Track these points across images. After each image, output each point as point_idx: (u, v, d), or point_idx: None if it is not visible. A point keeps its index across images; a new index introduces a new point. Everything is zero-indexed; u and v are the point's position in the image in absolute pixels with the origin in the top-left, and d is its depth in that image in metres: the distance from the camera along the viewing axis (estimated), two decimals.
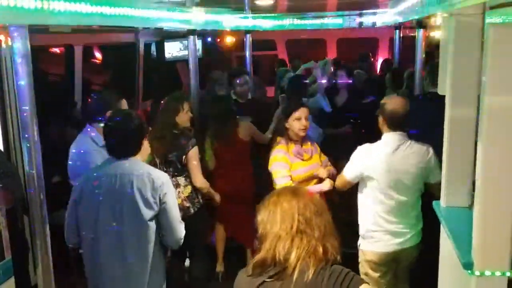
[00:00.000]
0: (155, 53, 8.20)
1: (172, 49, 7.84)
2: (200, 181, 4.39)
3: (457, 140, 3.17)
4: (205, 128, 5.13)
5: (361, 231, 3.85)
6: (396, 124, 3.66)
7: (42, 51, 6.48)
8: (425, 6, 3.57)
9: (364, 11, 7.12)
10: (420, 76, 5.57)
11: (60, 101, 6.09)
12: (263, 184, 5.31)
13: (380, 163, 3.66)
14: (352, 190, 4.01)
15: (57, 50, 7.08)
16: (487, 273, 2.46)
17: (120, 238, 3.04)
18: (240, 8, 5.96)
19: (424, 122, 4.11)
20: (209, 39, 9.09)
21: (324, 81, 6.38)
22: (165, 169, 4.26)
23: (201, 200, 4.47)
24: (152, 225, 3.07)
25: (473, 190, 2.80)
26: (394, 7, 5.63)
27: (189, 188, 4.37)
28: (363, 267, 3.86)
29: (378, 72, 8.98)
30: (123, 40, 6.95)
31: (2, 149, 4.41)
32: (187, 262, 4.87)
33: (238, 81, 5.76)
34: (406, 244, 3.75)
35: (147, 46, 7.67)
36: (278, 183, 3.94)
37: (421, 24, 5.72)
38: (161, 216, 3.09)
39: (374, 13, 7.23)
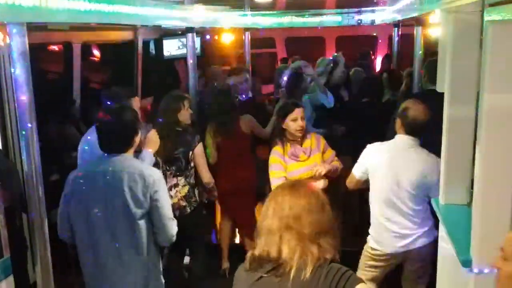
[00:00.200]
0: (153, 51, 8.19)
1: (171, 47, 7.83)
2: (207, 176, 4.46)
3: (456, 137, 3.17)
4: (205, 123, 5.15)
5: (370, 228, 3.87)
6: (412, 129, 3.66)
7: (41, 49, 6.47)
8: (424, 3, 3.57)
9: (363, 9, 7.12)
10: (419, 74, 5.56)
11: (59, 99, 6.08)
12: (265, 178, 5.35)
13: (383, 162, 3.67)
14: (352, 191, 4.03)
15: (55, 47, 7.07)
16: (486, 270, 2.47)
17: (112, 234, 3.03)
18: (239, 6, 5.96)
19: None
20: (208, 36, 9.07)
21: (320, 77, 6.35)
22: (167, 168, 4.27)
23: (197, 199, 4.48)
24: (143, 222, 3.04)
25: (472, 188, 2.80)
26: (392, 4, 5.63)
27: (186, 188, 4.38)
28: (365, 258, 3.88)
29: (379, 69, 8.97)
30: (121, 38, 6.93)
31: (1, 147, 4.40)
32: (186, 260, 4.87)
33: (236, 79, 5.76)
34: (410, 247, 3.68)
35: (146, 44, 7.66)
36: (273, 184, 4.03)
37: (420, 21, 5.71)
38: (152, 214, 3.06)
39: (373, 11, 7.23)
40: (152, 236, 3.12)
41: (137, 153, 3.76)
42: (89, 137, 3.86)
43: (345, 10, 7.20)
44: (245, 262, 2.06)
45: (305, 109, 4.42)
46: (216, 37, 9.08)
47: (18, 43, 2.80)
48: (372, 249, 3.82)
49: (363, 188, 4.00)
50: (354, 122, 5.74)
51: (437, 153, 3.49)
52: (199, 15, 5.50)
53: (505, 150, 2.40)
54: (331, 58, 7.40)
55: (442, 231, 3.15)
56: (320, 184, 4.06)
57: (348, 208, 5.15)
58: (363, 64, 8.23)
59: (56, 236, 3.17)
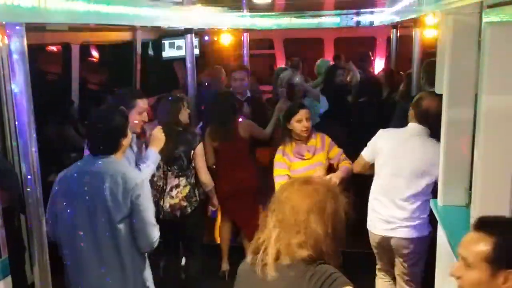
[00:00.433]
0: (152, 52, 8.20)
1: (170, 48, 7.83)
2: (205, 176, 4.47)
3: (454, 139, 3.18)
4: (205, 124, 5.16)
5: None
6: (423, 119, 3.72)
7: (39, 50, 6.46)
8: (422, 5, 3.57)
9: (361, 10, 7.12)
10: (418, 75, 5.57)
11: (57, 100, 6.07)
12: (266, 180, 5.35)
13: (388, 147, 3.77)
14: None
15: (54, 48, 7.07)
16: None
17: (94, 236, 3.00)
18: (238, 7, 5.96)
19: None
20: (206, 37, 9.09)
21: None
22: (169, 169, 4.27)
23: (198, 199, 4.48)
24: (123, 226, 2.98)
25: (470, 189, 2.80)
26: (391, 6, 5.64)
27: (187, 188, 4.39)
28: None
29: (381, 69, 8.99)
30: (120, 39, 6.94)
31: None
32: (183, 261, 4.87)
33: (235, 76, 5.77)
34: (398, 234, 3.75)
35: (145, 44, 7.66)
36: (276, 181, 4.12)
37: (418, 23, 5.72)
38: (133, 218, 3.00)
39: (372, 12, 7.23)
40: (134, 242, 3.06)
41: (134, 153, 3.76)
42: None
43: (344, 11, 7.21)
44: (247, 255, 2.07)
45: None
46: (214, 38, 9.09)
47: (16, 43, 2.80)
48: (369, 232, 3.95)
49: (362, 188, 4.02)
50: (353, 122, 5.74)
51: None
52: (198, 16, 5.51)
53: (503, 151, 2.40)
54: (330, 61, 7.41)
55: (441, 232, 3.16)
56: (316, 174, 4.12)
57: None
58: (362, 65, 8.24)
59: None
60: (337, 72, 6.76)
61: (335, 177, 4.09)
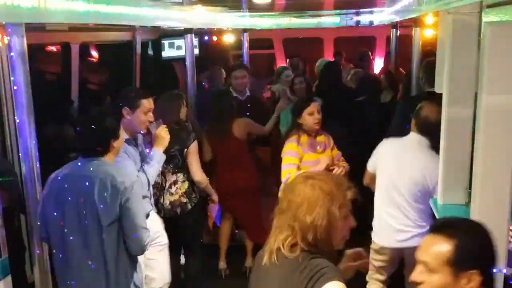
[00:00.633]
0: (152, 52, 8.19)
1: (169, 48, 7.83)
2: (199, 174, 4.44)
3: (454, 138, 3.18)
4: (204, 122, 5.18)
5: (373, 221, 3.95)
6: (423, 129, 3.72)
7: (39, 50, 6.46)
8: (422, 4, 3.57)
9: (361, 10, 7.12)
10: (417, 75, 5.57)
11: (57, 100, 6.07)
12: (267, 178, 5.34)
13: (389, 157, 3.77)
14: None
15: (53, 48, 7.06)
16: None
17: (82, 239, 2.96)
18: (238, 7, 5.95)
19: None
20: (206, 37, 9.08)
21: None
22: (165, 167, 4.27)
23: (198, 196, 4.49)
24: (111, 230, 2.94)
25: (470, 187, 2.81)
26: (391, 5, 5.64)
27: (186, 184, 4.40)
28: (371, 253, 3.90)
29: (378, 69, 8.99)
30: (120, 39, 6.93)
31: None
32: (182, 260, 4.87)
33: (235, 74, 5.77)
34: (409, 243, 3.67)
35: (144, 44, 7.66)
36: (284, 169, 4.13)
37: (418, 22, 5.72)
38: (123, 222, 2.96)
39: (371, 12, 7.23)
40: (123, 245, 3.01)
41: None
42: None
43: (344, 11, 7.20)
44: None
45: None
46: (214, 38, 9.09)
47: (16, 43, 2.81)
48: (373, 242, 3.89)
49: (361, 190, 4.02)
50: (352, 121, 5.74)
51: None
52: (198, 16, 5.51)
53: (503, 150, 2.41)
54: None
55: None
56: (321, 166, 4.14)
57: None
58: (362, 65, 8.24)
59: None
60: (284, 73, 6.78)
61: (342, 168, 4.18)
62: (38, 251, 3.15)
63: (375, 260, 3.86)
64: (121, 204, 2.93)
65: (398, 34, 7.78)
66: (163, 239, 4.02)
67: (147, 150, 3.90)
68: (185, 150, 4.34)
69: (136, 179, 3.12)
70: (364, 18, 7.73)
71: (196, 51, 7.02)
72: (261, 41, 9.77)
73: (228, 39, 8.18)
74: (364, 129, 5.34)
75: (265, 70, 10.31)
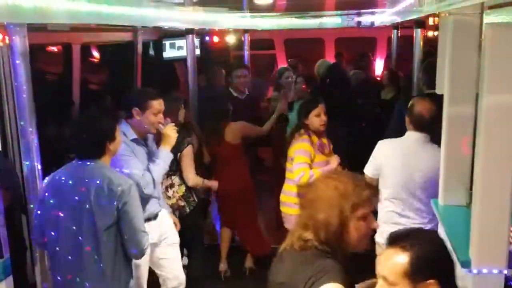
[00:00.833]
0: (153, 52, 8.20)
1: (170, 48, 7.83)
2: (192, 178, 4.42)
3: (455, 138, 3.18)
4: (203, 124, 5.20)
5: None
6: (420, 125, 3.69)
7: (40, 50, 6.47)
8: (423, 5, 3.57)
9: (362, 11, 7.11)
10: (418, 76, 5.57)
11: (58, 100, 6.08)
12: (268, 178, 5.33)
13: (396, 158, 3.71)
14: None
15: (55, 48, 7.07)
16: (484, 271, 2.48)
17: (78, 243, 2.91)
18: (239, 8, 5.95)
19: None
20: (207, 38, 9.09)
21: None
22: None
23: (196, 199, 4.49)
24: (108, 233, 2.90)
25: (471, 188, 2.81)
26: (392, 6, 5.64)
27: (183, 187, 4.40)
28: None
29: (379, 70, 9.00)
30: (121, 39, 6.94)
31: (0, 148, 4.40)
32: (184, 261, 4.87)
33: (237, 73, 5.77)
34: None
35: (146, 45, 7.66)
36: (296, 167, 4.11)
37: (420, 23, 5.72)
38: (121, 226, 2.92)
39: (373, 13, 7.23)
40: (120, 249, 2.97)
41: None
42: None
43: (345, 12, 7.20)
44: None
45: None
46: (215, 39, 9.10)
47: (18, 43, 2.81)
48: (380, 244, 3.81)
49: None
50: (353, 122, 5.75)
51: None
52: (199, 17, 5.51)
53: (504, 152, 2.41)
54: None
55: (441, 232, 3.16)
56: (334, 162, 4.20)
57: None
58: (362, 66, 8.24)
59: None
60: (284, 74, 6.78)
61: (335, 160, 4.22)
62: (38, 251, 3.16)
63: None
64: (119, 208, 2.88)
65: (399, 35, 7.79)
66: (174, 238, 4.00)
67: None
68: (178, 154, 4.30)
69: (134, 182, 3.05)
70: (365, 19, 7.72)
71: (197, 51, 7.03)
72: (262, 41, 9.78)
73: (229, 39, 8.18)
74: (365, 130, 5.35)
75: (266, 71, 10.32)
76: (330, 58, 9.47)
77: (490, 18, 2.39)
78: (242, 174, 5.14)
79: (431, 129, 3.69)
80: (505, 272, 2.48)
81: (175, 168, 4.35)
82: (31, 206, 3.07)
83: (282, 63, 9.95)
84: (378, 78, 8.23)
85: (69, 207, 2.90)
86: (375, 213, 3.86)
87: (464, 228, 2.70)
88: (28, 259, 4.28)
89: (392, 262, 1.79)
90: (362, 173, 4.04)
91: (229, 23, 6.77)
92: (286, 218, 4.41)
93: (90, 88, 6.72)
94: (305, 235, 2.05)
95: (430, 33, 6.78)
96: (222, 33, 8.54)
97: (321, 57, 8.94)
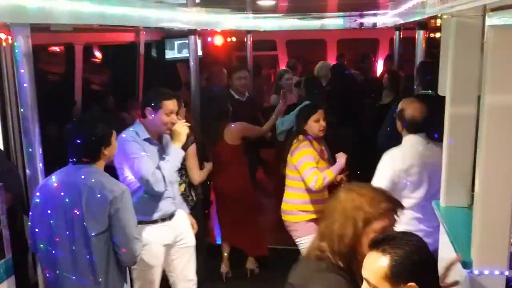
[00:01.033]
0: (155, 53, 8.21)
1: (173, 49, 7.85)
2: (198, 175, 4.43)
3: (456, 140, 3.18)
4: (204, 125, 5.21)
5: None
6: (416, 128, 3.67)
7: (43, 50, 6.48)
8: (426, 7, 3.58)
9: (364, 12, 7.12)
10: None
11: (60, 100, 6.08)
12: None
13: (411, 164, 3.62)
14: None
15: (57, 49, 7.08)
16: (486, 272, 2.48)
17: (70, 249, 2.89)
18: (241, 9, 5.97)
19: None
20: (209, 39, 9.10)
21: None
22: None
23: (194, 198, 4.50)
24: (99, 240, 2.87)
25: (473, 190, 2.81)
26: (394, 8, 5.64)
27: (183, 186, 4.40)
28: None
29: (380, 71, 9.00)
30: (123, 40, 6.95)
31: (2, 148, 4.41)
32: None
33: (237, 75, 5.78)
34: (435, 245, 3.50)
35: (148, 45, 7.67)
36: (308, 173, 4.04)
37: (422, 25, 5.72)
38: (113, 232, 2.89)
39: (375, 14, 7.23)
40: (113, 256, 2.95)
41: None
42: (123, 135, 3.68)
43: (347, 13, 7.21)
44: None
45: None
46: (217, 40, 9.10)
47: (21, 44, 2.82)
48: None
49: None
50: (357, 124, 5.76)
51: None
52: (201, 18, 5.52)
53: (506, 153, 2.41)
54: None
55: (443, 233, 3.16)
56: (342, 159, 4.14)
57: None
58: (363, 67, 8.25)
59: None
60: (285, 76, 6.78)
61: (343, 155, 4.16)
62: None
63: None
64: (111, 214, 2.85)
65: (401, 36, 7.79)
66: (189, 240, 4.00)
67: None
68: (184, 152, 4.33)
69: (127, 188, 3.00)
70: (368, 20, 7.73)
71: (199, 52, 7.04)
72: (264, 42, 9.79)
73: (232, 40, 8.19)
74: (369, 131, 5.35)
75: (268, 72, 10.34)
76: (332, 59, 9.48)
77: (492, 20, 2.39)
78: (241, 174, 5.15)
79: (426, 127, 3.68)
80: (507, 273, 2.48)
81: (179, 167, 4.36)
82: None
83: (284, 65, 9.97)
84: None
85: (61, 212, 2.88)
86: None
87: (465, 230, 2.69)
88: (29, 259, 4.28)
89: (374, 265, 1.81)
90: (366, 173, 4.03)
91: (231, 24, 6.77)
92: (292, 226, 4.31)
93: (93, 89, 6.71)
94: (321, 245, 2.10)
95: (432, 35, 6.79)
96: (224, 34, 8.55)
97: (323, 59, 8.96)
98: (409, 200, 3.63)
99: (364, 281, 1.85)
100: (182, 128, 3.70)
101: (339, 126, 5.80)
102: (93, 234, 2.85)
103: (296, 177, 4.22)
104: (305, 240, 4.17)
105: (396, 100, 6.06)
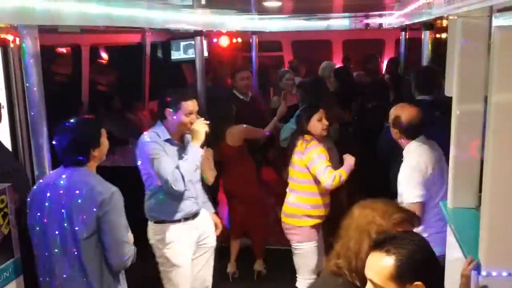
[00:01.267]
0: (161, 54, 8.24)
1: (179, 50, 7.88)
2: (212, 176, 4.43)
3: (464, 141, 3.18)
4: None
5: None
6: (415, 131, 3.64)
7: (50, 51, 6.51)
8: (432, 8, 3.58)
9: (370, 13, 7.12)
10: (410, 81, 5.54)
11: (67, 101, 6.11)
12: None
13: (437, 167, 3.59)
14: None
15: (64, 50, 7.11)
16: (494, 274, 2.47)
17: (61, 252, 2.87)
18: (247, 10, 5.97)
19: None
20: (215, 39, 9.12)
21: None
22: None
23: None
24: (89, 243, 2.84)
25: (480, 191, 2.81)
26: (400, 9, 5.64)
27: None
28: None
29: (383, 72, 8.97)
30: (130, 41, 6.98)
31: (10, 149, 4.43)
32: None
33: (239, 75, 5.78)
34: None
35: (154, 46, 7.70)
36: (323, 174, 3.98)
37: (428, 25, 5.72)
38: (101, 235, 2.85)
39: (381, 15, 7.22)
40: (103, 260, 2.90)
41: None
42: (145, 136, 3.71)
43: (353, 14, 7.20)
44: None
45: None
46: (223, 41, 9.12)
47: (29, 45, 2.84)
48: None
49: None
50: (362, 126, 5.74)
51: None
52: (207, 19, 5.54)
53: None
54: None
55: (450, 235, 3.16)
56: (351, 160, 4.09)
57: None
58: (368, 68, 8.22)
59: None
60: (285, 76, 6.75)
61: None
62: None
63: None
64: (99, 217, 2.81)
65: (407, 37, 7.78)
66: (211, 240, 4.01)
67: None
68: None
69: (117, 190, 2.92)
70: (373, 21, 7.72)
71: (205, 53, 7.06)
72: (270, 43, 9.79)
73: (237, 41, 8.20)
74: (375, 134, 5.33)
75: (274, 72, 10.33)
76: (337, 60, 9.46)
77: (499, 21, 2.39)
78: (246, 175, 5.15)
79: (422, 129, 3.66)
80: None
81: None
82: None
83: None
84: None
85: (50, 216, 2.86)
86: None
87: (473, 231, 2.69)
88: None
89: (378, 266, 1.82)
90: (372, 174, 4.03)
91: (237, 25, 6.78)
92: (293, 230, 4.21)
93: (99, 89, 6.75)
94: (338, 262, 2.14)
95: (439, 36, 6.77)
96: (230, 35, 8.57)
97: (328, 59, 8.96)
98: (434, 204, 3.57)
99: (368, 282, 1.86)
100: (201, 126, 3.68)
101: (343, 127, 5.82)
102: (82, 237, 2.82)
103: (304, 180, 4.16)
104: (304, 246, 4.16)
105: (396, 100, 6.09)
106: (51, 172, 3.04)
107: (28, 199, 2.99)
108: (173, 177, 3.50)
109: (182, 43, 7.94)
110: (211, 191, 4.93)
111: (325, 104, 4.47)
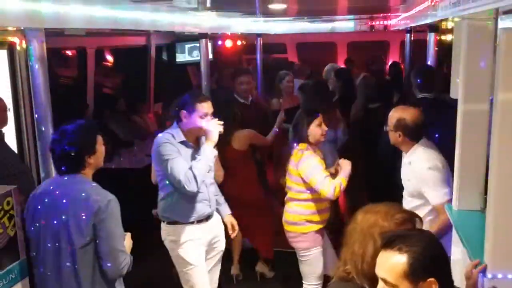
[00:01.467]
0: (166, 56, 8.26)
1: (184, 52, 7.89)
2: (222, 177, 4.42)
3: (469, 143, 3.17)
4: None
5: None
6: (420, 133, 3.58)
7: (56, 54, 6.55)
8: (438, 10, 3.57)
9: (375, 15, 7.12)
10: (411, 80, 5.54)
11: (73, 103, 6.15)
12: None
13: (447, 165, 3.56)
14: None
15: (70, 53, 7.16)
16: (499, 276, 2.46)
17: (57, 260, 2.83)
18: (252, 12, 5.99)
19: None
20: (220, 42, 9.15)
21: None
22: None
23: None
24: (85, 252, 2.78)
25: (485, 193, 2.80)
26: (405, 11, 5.64)
27: None
28: None
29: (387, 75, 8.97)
30: (135, 43, 7.00)
31: (16, 151, 4.46)
32: None
33: (239, 79, 5.78)
34: None
35: (159, 49, 7.73)
36: (325, 182, 3.88)
37: (433, 27, 5.71)
38: (98, 244, 2.78)
39: (385, 17, 7.23)
40: (98, 268, 2.84)
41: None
42: (160, 137, 3.70)
43: (357, 16, 7.21)
44: None
45: None
46: (228, 43, 9.15)
47: (36, 48, 2.85)
48: None
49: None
50: (367, 128, 5.73)
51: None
52: (212, 21, 5.55)
53: None
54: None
55: (455, 237, 3.15)
56: (348, 165, 4.01)
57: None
58: (373, 69, 8.22)
59: None
60: (286, 78, 6.71)
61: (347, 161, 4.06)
62: None
63: None
64: (95, 225, 2.75)
65: (412, 38, 7.78)
66: (221, 244, 4.01)
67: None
68: None
69: (114, 198, 2.85)
70: (379, 23, 7.72)
71: (210, 56, 7.07)
72: (274, 45, 9.81)
73: (242, 43, 8.22)
74: (379, 136, 5.33)
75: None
76: (342, 62, 9.47)
77: (505, 23, 2.38)
78: (249, 179, 5.14)
79: (424, 130, 3.61)
80: None
81: None
82: None
83: None
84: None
85: (48, 224, 2.82)
86: None
87: (478, 233, 2.68)
88: None
89: (391, 264, 1.82)
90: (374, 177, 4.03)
91: (242, 27, 6.80)
92: (299, 237, 4.14)
93: (105, 92, 6.78)
94: (346, 269, 2.17)
95: (444, 38, 6.77)
96: (235, 37, 8.59)
97: (333, 61, 8.96)
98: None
99: (380, 281, 1.86)
100: (215, 126, 3.66)
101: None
102: (78, 245, 2.77)
103: (301, 188, 4.08)
104: (312, 252, 4.10)
105: (399, 101, 6.09)
106: (47, 180, 3.01)
107: (25, 212, 2.94)
108: (186, 177, 3.50)
109: (187, 46, 7.95)
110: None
111: (325, 109, 4.41)
